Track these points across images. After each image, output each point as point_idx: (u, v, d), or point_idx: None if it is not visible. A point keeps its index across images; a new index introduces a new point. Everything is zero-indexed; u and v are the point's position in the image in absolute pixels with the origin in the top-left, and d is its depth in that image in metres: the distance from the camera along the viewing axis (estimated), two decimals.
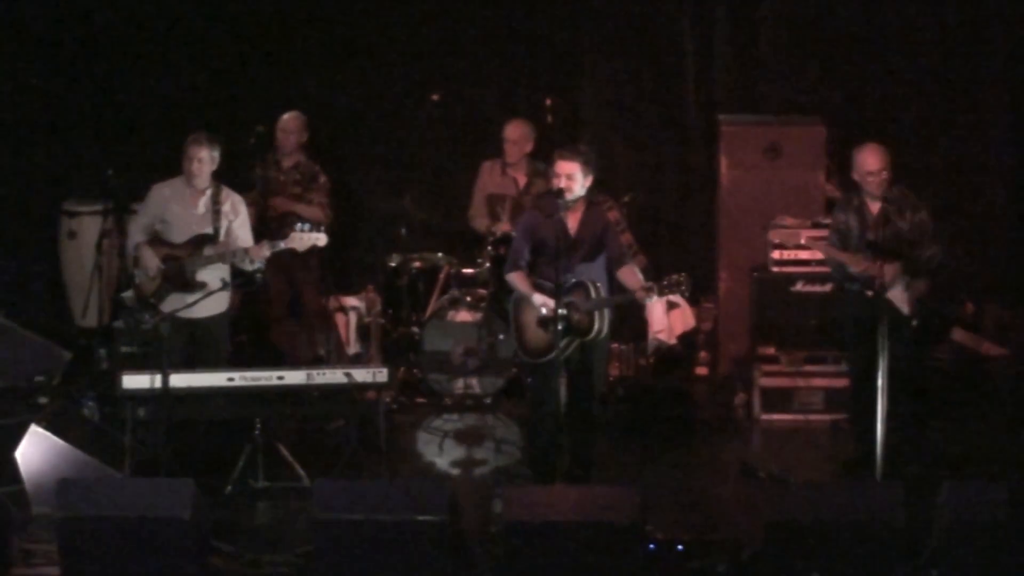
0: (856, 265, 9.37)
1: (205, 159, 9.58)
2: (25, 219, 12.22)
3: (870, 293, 9.24)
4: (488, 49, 12.26)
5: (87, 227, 11.46)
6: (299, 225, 9.58)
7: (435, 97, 11.91)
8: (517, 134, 11.21)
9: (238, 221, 9.70)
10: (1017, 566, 7.77)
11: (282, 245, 9.53)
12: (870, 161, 9.45)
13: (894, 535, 7.77)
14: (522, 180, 11.24)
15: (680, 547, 8.27)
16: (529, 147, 11.24)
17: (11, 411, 9.84)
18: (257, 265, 9.62)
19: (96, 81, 12.19)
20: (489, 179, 11.35)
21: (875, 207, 9.49)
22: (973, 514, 7.78)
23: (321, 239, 9.52)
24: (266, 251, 9.53)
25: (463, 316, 10.98)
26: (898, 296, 9.31)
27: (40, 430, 8.95)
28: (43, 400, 10.23)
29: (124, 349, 10.00)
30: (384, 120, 12.34)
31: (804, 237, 10.06)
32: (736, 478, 9.71)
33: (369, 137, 12.40)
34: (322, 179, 11.14)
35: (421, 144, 12.26)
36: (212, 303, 9.51)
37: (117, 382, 9.14)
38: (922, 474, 9.12)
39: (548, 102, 11.68)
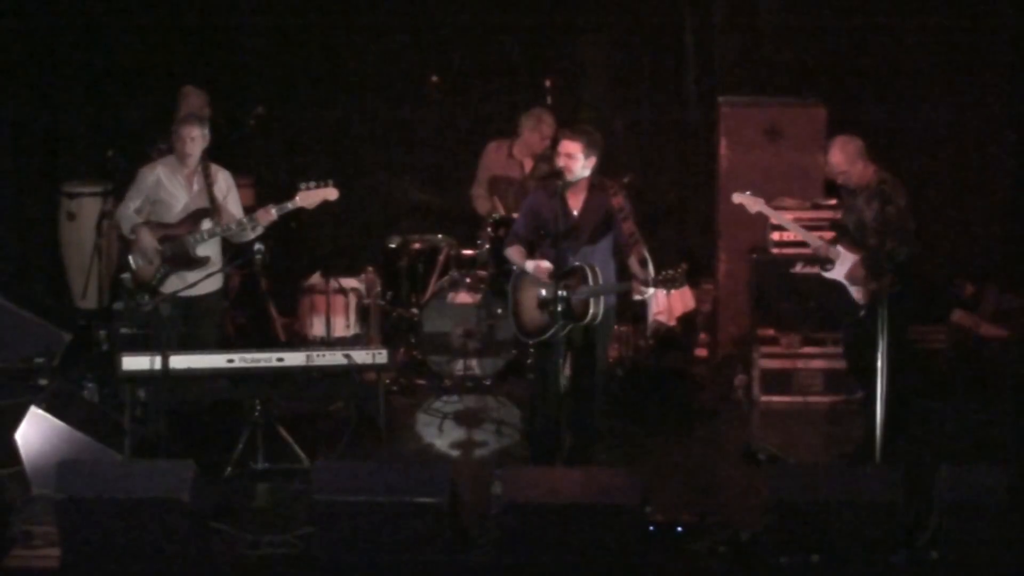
0: (812, 243, 9.43)
1: (198, 137, 9.49)
2: (25, 200, 12.20)
3: (826, 272, 9.36)
4: (488, 30, 12.22)
5: (87, 208, 11.44)
6: (303, 184, 9.41)
7: (435, 79, 11.89)
8: (551, 131, 11.00)
9: (231, 196, 9.61)
10: (1016, 548, 7.79)
11: (290, 206, 9.40)
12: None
13: (893, 518, 7.79)
14: (528, 164, 11.19)
15: (680, 529, 8.28)
16: None
17: (11, 392, 9.83)
18: (260, 231, 9.47)
19: (96, 61, 12.16)
20: (495, 160, 11.28)
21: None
22: (972, 497, 7.80)
23: (332, 193, 9.34)
24: (274, 214, 9.40)
25: (463, 298, 10.96)
26: (851, 285, 9.32)
27: (40, 411, 8.94)
28: (43, 381, 10.23)
29: (124, 330, 9.96)
30: (384, 101, 12.31)
31: (760, 205, 9.70)
32: (736, 460, 9.72)
33: (369, 118, 12.37)
34: None
35: (421, 125, 12.24)
36: (208, 280, 9.41)
37: (117, 363, 9.11)
38: (921, 457, 9.13)
39: (548, 83, 11.66)
